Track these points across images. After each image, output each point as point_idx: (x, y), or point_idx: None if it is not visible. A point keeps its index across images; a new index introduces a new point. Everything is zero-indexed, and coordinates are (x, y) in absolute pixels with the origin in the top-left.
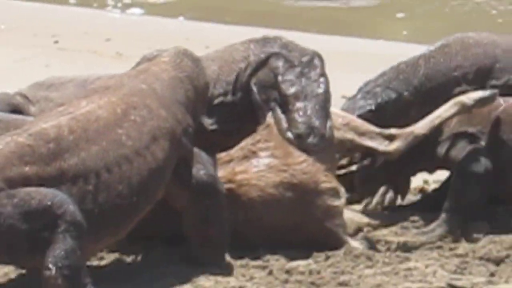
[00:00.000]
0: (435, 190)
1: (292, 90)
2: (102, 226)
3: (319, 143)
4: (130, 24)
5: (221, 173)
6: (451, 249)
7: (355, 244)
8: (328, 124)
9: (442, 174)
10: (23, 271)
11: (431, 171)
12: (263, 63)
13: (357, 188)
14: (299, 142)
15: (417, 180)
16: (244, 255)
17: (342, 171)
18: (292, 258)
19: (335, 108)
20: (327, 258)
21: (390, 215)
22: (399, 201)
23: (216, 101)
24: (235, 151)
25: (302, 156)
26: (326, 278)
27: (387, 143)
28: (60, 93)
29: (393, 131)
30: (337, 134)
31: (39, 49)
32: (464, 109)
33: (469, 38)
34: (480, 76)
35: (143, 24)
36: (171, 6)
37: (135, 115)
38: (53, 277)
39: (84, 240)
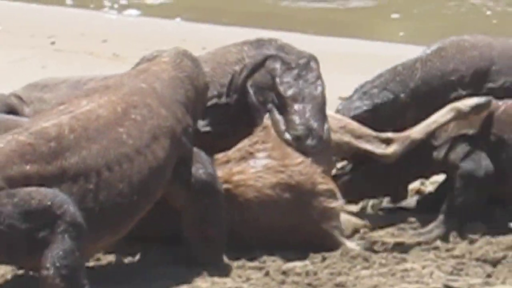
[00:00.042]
0: (432, 192)
1: (290, 92)
2: (102, 224)
3: (317, 145)
4: (126, 25)
5: (218, 173)
6: (447, 250)
7: (352, 245)
8: (326, 126)
9: (438, 176)
10: (20, 273)
11: (427, 176)
12: (259, 65)
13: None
14: (298, 144)
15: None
16: (240, 256)
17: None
18: (288, 259)
19: (331, 110)
20: (324, 259)
21: (387, 216)
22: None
23: (210, 103)
24: (232, 152)
25: (300, 158)
26: (322, 279)
27: (384, 146)
28: (54, 94)
29: (390, 134)
30: (334, 136)
31: (36, 50)
32: (460, 116)
33: (464, 41)
34: (476, 79)
35: (139, 25)
36: (168, 7)
37: (135, 114)
38: (51, 276)
39: (83, 241)
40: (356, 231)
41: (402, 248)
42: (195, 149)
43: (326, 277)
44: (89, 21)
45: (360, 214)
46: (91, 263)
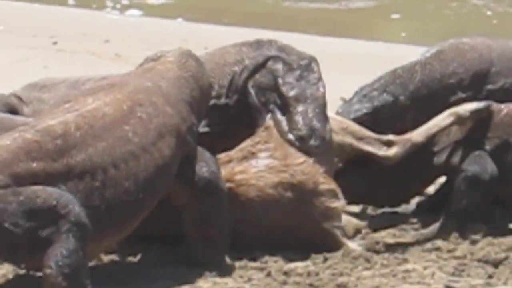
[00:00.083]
0: (433, 193)
1: (292, 92)
2: (108, 222)
3: (320, 145)
4: (128, 25)
5: None
6: (449, 251)
7: (353, 245)
8: (328, 127)
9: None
10: (21, 272)
11: (430, 182)
12: (260, 66)
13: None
14: (301, 144)
15: None
16: (242, 256)
17: None
18: (290, 260)
19: (331, 111)
20: (325, 259)
21: (389, 217)
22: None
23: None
24: (234, 152)
25: (302, 157)
26: (324, 279)
27: (386, 148)
28: (52, 94)
29: (391, 137)
30: (336, 138)
31: (38, 50)
32: (460, 120)
33: (464, 44)
34: (476, 81)
35: (141, 26)
36: (169, 7)
37: (141, 112)
38: (54, 275)
39: (87, 241)
40: (357, 231)
41: (403, 248)
42: (199, 148)
43: (328, 278)
44: (91, 21)
45: (361, 215)
46: (92, 263)
